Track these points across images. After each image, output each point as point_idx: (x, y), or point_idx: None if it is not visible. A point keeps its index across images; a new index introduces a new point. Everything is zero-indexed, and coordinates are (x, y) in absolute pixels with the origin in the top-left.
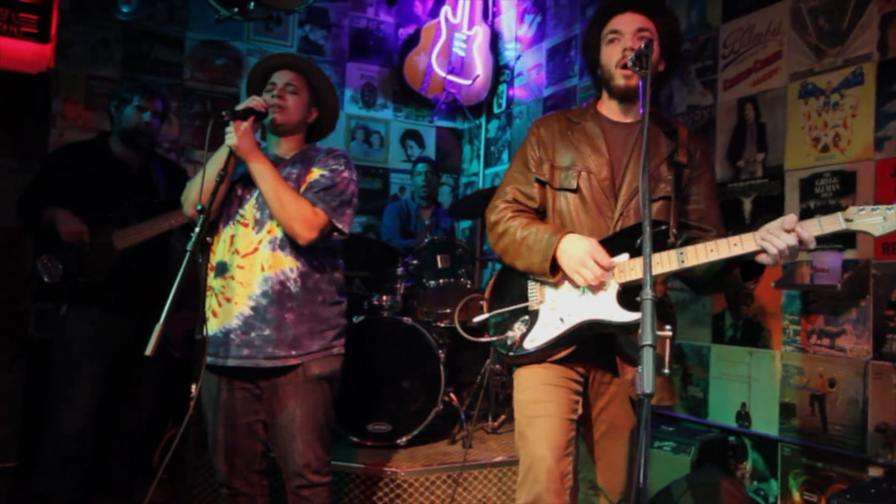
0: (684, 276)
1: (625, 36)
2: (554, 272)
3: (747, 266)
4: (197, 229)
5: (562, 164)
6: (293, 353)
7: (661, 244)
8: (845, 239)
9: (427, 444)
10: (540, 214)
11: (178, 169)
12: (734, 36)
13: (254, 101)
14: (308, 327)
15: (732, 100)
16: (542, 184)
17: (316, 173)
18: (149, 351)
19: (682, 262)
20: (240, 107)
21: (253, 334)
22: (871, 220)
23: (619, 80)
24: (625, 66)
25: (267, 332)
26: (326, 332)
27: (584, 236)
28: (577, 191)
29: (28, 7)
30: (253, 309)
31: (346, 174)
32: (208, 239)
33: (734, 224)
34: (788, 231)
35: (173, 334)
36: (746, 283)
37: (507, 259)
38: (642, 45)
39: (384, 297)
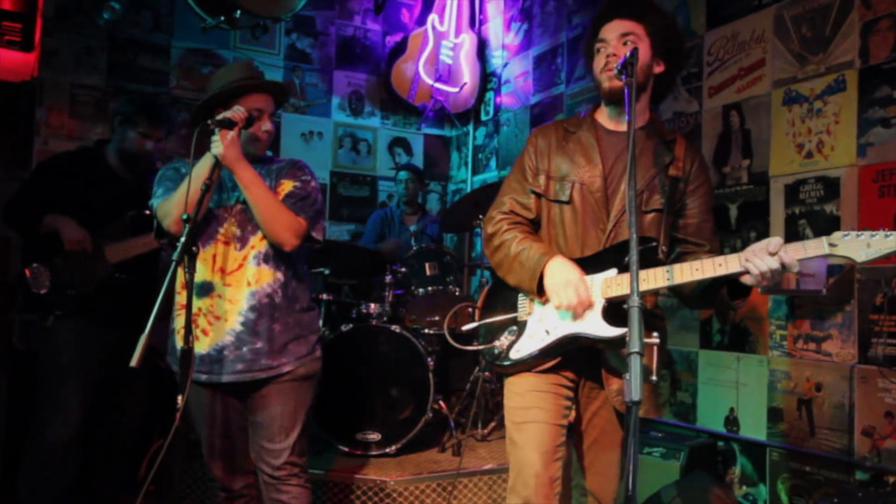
0: (675, 291)
1: (609, 43)
2: (541, 292)
3: (735, 285)
4: (183, 239)
5: (556, 175)
6: (283, 360)
7: (650, 260)
8: None
9: (416, 453)
10: (536, 225)
11: None
12: (718, 43)
13: (237, 113)
14: (293, 334)
15: (717, 107)
16: (538, 195)
17: (288, 185)
18: (134, 362)
19: (669, 279)
20: (220, 117)
21: (245, 349)
22: (855, 245)
23: (604, 82)
24: (608, 70)
25: (259, 344)
26: (310, 336)
27: (571, 264)
28: (570, 202)
29: (11, 15)
30: (243, 324)
31: (313, 184)
32: (194, 248)
33: (720, 231)
34: (772, 254)
35: (160, 345)
36: (733, 301)
37: (500, 273)
38: (627, 54)
39: (373, 305)
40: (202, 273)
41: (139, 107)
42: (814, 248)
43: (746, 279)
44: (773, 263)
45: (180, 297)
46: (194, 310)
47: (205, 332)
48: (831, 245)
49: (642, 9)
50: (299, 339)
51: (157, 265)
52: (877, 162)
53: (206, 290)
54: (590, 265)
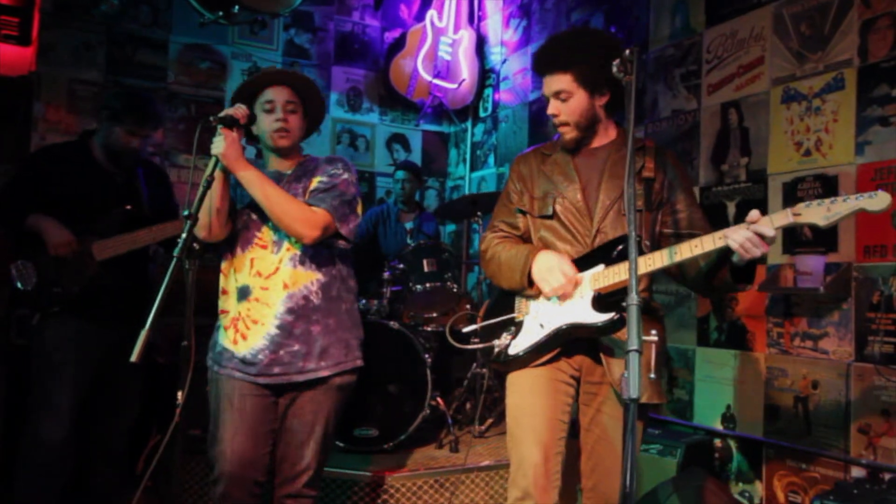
0: (680, 279)
1: (549, 101)
2: (532, 284)
3: (737, 269)
4: (184, 235)
5: (539, 195)
6: (322, 364)
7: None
8: (828, 242)
9: (414, 449)
10: (526, 241)
11: (162, 174)
12: (717, 41)
13: (238, 110)
14: (334, 337)
15: (716, 104)
16: (525, 214)
17: (315, 181)
18: (134, 357)
19: (650, 265)
20: (222, 114)
21: (282, 352)
22: (817, 212)
23: (562, 136)
24: (559, 127)
25: (296, 347)
26: (352, 341)
27: (555, 253)
28: (553, 216)
29: (9, 9)
30: (279, 327)
31: (345, 176)
32: (195, 245)
33: (719, 227)
34: (751, 223)
35: (158, 340)
36: (737, 284)
37: (496, 282)
38: (626, 52)
39: (371, 302)
40: (241, 278)
41: (126, 104)
42: (780, 218)
43: (735, 257)
44: (747, 233)
45: (223, 302)
46: (234, 314)
47: (244, 337)
48: (795, 214)
49: (567, 59)
50: (340, 343)
51: (146, 262)
52: (875, 160)
53: (245, 294)
54: (579, 266)
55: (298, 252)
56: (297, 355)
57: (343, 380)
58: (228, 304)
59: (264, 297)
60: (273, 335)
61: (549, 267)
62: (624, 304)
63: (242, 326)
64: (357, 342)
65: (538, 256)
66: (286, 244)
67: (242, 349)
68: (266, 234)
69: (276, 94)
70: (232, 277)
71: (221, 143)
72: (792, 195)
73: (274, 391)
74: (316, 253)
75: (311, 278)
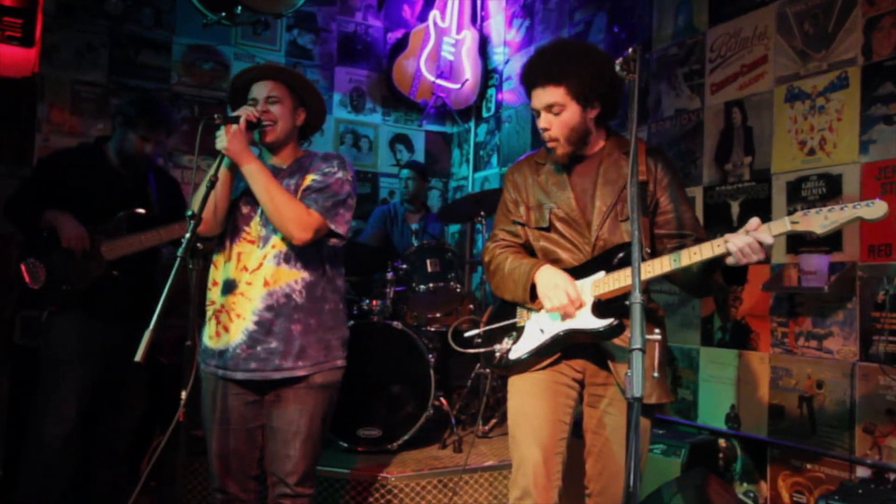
0: (673, 281)
1: (540, 114)
2: (534, 299)
3: (729, 271)
4: (187, 235)
5: (534, 205)
6: (300, 363)
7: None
8: (832, 241)
9: (417, 449)
10: (528, 249)
11: (170, 179)
12: (721, 40)
13: (246, 111)
14: (314, 337)
15: (719, 103)
16: (522, 224)
17: (309, 179)
18: (138, 357)
19: (651, 272)
20: (232, 115)
21: (259, 348)
22: (815, 220)
23: (553, 151)
24: (549, 142)
25: (274, 344)
26: (333, 341)
27: (558, 270)
28: (550, 228)
29: (12, 11)
30: (257, 323)
31: (339, 175)
32: (199, 245)
33: (722, 227)
34: (748, 233)
35: (162, 340)
36: (730, 286)
37: (499, 293)
38: (629, 51)
39: (374, 302)
40: (228, 270)
41: (140, 110)
42: (778, 227)
43: (729, 260)
44: (748, 239)
45: (211, 294)
46: (217, 306)
47: (226, 329)
48: (793, 223)
49: (559, 71)
50: (320, 344)
51: (155, 263)
52: (879, 159)
53: (231, 287)
54: (580, 273)
55: (284, 249)
56: (275, 353)
57: (325, 378)
58: (215, 294)
59: (248, 291)
60: (251, 331)
61: (554, 286)
62: (627, 302)
63: (225, 318)
64: (339, 342)
65: (541, 272)
66: (273, 241)
67: (222, 342)
68: (254, 228)
69: (258, 89)
70: (221, 269)
71: (224, 138)
72: (796, 194)
73: (255, 389)
74: (302, 251)
75: (295, 276)
